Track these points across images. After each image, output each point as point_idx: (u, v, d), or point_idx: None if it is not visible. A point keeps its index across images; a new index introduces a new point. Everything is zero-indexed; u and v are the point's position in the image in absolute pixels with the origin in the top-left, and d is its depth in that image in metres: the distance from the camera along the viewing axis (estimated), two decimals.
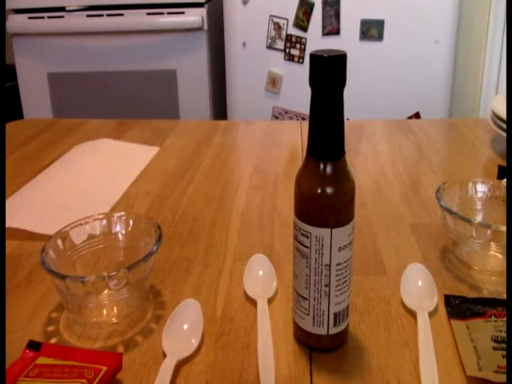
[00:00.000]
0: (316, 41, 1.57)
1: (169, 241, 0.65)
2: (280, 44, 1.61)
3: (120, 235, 0.56)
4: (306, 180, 0.42)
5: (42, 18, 1.73)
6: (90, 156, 0.89)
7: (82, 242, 0.54)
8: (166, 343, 0.46)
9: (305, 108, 1.60)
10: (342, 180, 0.41)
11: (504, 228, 0.52)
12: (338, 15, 1.54)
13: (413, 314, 0.50)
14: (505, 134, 0.84)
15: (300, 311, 0.45)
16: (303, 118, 1.62)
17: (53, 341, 0.48)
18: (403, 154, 0.92)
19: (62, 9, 1.71)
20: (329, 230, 0.41)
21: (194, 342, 0.46)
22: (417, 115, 1.62)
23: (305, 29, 1.57)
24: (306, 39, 1.58)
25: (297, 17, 1.56)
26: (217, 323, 0.50)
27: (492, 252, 0.56)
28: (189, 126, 1.11)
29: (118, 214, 0.56)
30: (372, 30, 1.55)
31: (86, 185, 0.78)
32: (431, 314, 0.50)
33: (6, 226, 0.66)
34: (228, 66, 1.68)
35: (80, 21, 1.72)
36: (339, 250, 0.42)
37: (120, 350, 0.47)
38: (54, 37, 1.74)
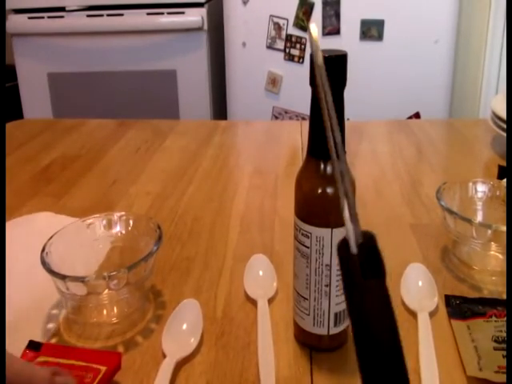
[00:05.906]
0: None
1: (169, 241, 0.65)
2: (280, 44, 1.60)
3: (120, 235, 0.56)
4: (307, 180, 0.42)
5: (42, 17, 1.72)
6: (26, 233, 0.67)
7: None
8: (166, 343, 0.46)
9: (305, 108, 1.60)
10: None
11: (504, 228, 0.52)
12: (338, 15, 1.54)
13: (413, 314, 0.50)
14: (505, 134, 0.84)
15: (300, 311, 0.45)
16: (303, 118, 1.62)
17: (53, 341, 0.48)
18: (403, 154, 0.92)
19: (62, 9, 1.71)
20: (329, 229, 0.41)
21: (194, 342, 0.46)
22: (417, 115, 1.62)
23: (305, 29, 1.57)
24: (306, 39, 1.58)
25: (297, 17, 1.56)
26: (217, 323, 0.50)
27: (492, 252, 0.56)
28: (189, 126, 1.11)
29: (118, 214, 0.56)
30: (372, 30, 1.55)
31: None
32: (431, 314, 0.50)
33: None
34: (228, 65, 1.68)
35: (80, 21, 1.72)
36: None
37: (120, 350, 0.47)
38: (54, 37, 1.74)
